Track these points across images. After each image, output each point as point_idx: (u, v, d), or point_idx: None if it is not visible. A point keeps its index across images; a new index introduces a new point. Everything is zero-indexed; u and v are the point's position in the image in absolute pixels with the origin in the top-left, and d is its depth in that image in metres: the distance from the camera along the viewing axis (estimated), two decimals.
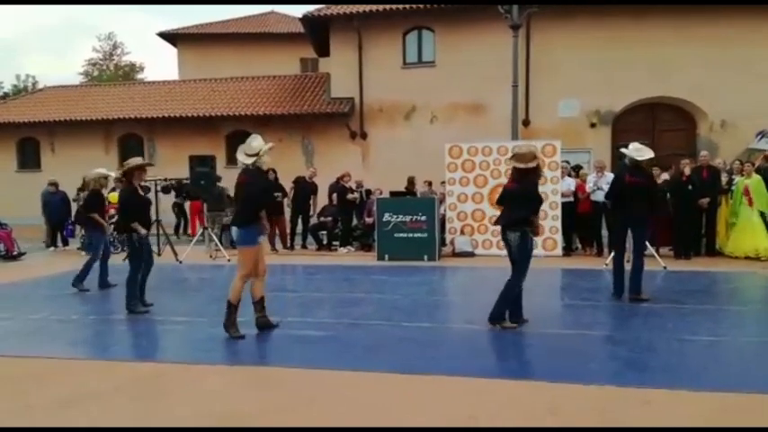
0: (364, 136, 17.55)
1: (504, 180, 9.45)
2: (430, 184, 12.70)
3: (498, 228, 5.72)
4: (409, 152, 15.95)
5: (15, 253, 11.46)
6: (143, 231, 6.45)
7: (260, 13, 27.26)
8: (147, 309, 6.50)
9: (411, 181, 12.61)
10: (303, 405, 3.63)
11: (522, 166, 5.37)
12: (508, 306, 5.41)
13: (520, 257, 5.39)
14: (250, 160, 5.21)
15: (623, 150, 6.93)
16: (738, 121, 15.02)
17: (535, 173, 5.45)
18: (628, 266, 6.75)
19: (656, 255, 9.26)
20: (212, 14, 54.34)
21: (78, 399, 3.78)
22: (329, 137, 17.77)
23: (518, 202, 5.40)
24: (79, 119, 18.92)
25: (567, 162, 11.59)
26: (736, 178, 10.13)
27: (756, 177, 9.83)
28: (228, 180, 14.35)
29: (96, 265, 7.92)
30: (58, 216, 13.08)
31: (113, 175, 8.32)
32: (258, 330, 5.41)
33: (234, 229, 5.21)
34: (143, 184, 6.92)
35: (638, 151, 6.67)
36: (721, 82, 15.02)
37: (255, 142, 5.26)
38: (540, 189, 11.07)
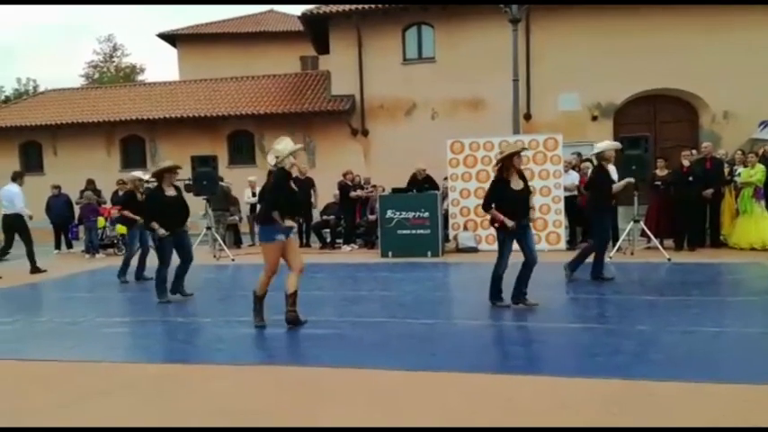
0: (365, 133, 17.54)
1: None
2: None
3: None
4: (410, 148, 15.88)
5: None
6: (161, 231, 6.78)
7: (259, 12, 27.22)
8: (186, 296, 7.14)
9: (416, 175, 12.51)
10: (308, 403, 3.64)
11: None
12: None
13: None
14: (273, 161, 5.50)
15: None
16: (741, 111, 14.95)
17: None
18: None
19: (660, 247, 9.24)
20: (211, 14, 54.32)
21: (82, 400, 3.78)
22: (330, 135, 17.76)
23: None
24: (81, 121, 18.94)
25: (579, 153, 11.54)
26: (739, 169, 10.07)
27: (760, 167, 9.75)
28: (230, 180, 14.35)
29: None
30: (62, 218, 13.11)
31: (148, 177, 8.78)
32: (287, 325, 5.39)
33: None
34: (176, 184, 7.19)
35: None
36: (723, 72, 14.93)
37: (279, 145, 5.55)
38: (544, 183, 11.04)
